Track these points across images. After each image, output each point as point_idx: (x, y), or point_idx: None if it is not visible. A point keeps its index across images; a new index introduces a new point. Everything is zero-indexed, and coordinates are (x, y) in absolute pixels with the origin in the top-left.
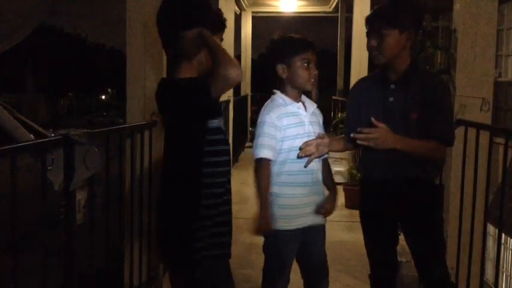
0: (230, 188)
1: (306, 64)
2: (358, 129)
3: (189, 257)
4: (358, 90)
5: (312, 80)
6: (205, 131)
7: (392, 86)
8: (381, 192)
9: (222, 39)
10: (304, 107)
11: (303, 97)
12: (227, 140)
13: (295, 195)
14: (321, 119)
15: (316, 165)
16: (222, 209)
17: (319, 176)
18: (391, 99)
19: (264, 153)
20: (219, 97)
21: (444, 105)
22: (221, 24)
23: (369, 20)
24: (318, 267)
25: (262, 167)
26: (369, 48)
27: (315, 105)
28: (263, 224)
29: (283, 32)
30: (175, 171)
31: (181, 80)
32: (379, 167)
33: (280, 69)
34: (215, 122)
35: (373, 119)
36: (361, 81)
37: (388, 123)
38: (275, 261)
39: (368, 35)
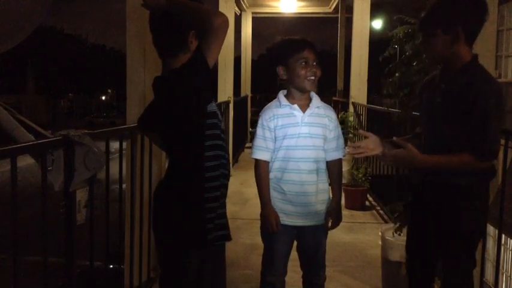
0: (227, 172)
1: (303, 63)
2: (381, 152)
3: (203, 238)
4: (421, 89)
5: (311, 78)
6: (205, 115)
7: (443, 86)
8: (417, 194)
9: None
10: (304, 108)
11: (314, 99)
12: (222, 130)
13: (286, 192)
14: (328, 120)
15: (311, 165)
16: (223, 191)
17: (316, 177)
18: (438, 99)
19: (258, 154)
20: (217, 55)
21: (483, 113)
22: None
23: (419, 24)
24: (314, 262)
25: (257, 167)
26: (421, 50)
27: (328, 108)
28: (265, 221)
29: (284, 35)
30: (181, 158)
31: (179, 68)
32: (417, 170)
33: (281, 70)
34: (212, 106)
35: (395, 139)
36: (428, 78)
37: (432, 124)
38: (266, 250)
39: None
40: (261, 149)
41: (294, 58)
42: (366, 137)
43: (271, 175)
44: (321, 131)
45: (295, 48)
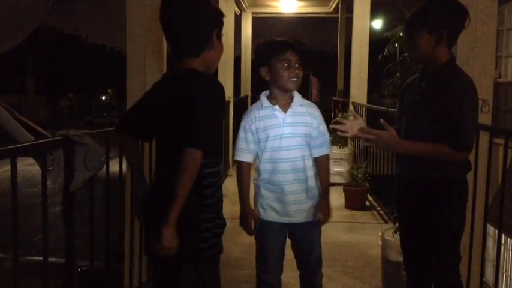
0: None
1: (285, 65)
2: (361, 128)
3: (199, 251)
4: (404, 88)
5: (293, 79)
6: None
7: (423, 85)
8: (399, 187)
9: (222, 34)
10: (285, 108)
11: (296, 98)
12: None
13: (273, 190)
14: (311, 118)
15: (297, 164)
16: (219, 195)
17: (304, 175)
18: (419, 97)
19: (239, 156)
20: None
21: (457, 107)
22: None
23: (406, 22)
24: (310, 259)
25: (238, 168)
26: (404, 48)
27: (310, 106)
28: (243, 222)
29: (281, 35)
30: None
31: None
32: (398, 163)
33: (263, 71)
34: None
35: (381, 121)
36: (408, 81)
37: (412, 122)
38: (258, 248)
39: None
40: (243, 151)
41: (276, 59)
42: (355, 119)
43: (261, 176)
44: (304, 130)
45: (277, 50)
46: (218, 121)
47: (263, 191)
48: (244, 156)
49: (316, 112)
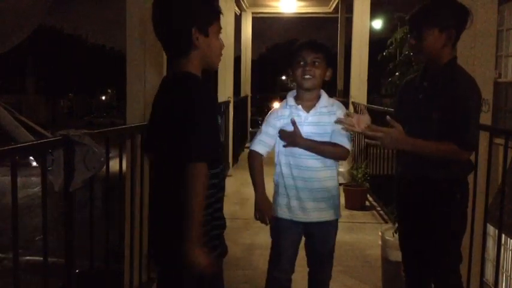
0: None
1: (301, 63)
2: (368, 125)
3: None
4: (403, 86)
5: (307, 76)
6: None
7: (425, 84)
8: (399, 187)
9: (221, 29)
10: (309, 108)
11: (322, 98)
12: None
13: (292, 187)
14: (329, 117)
15: (317, 163)
16: (218, 196)
17: (323, 174)
18: (421, 96)
19: (255, 146)
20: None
21: (463, 106)
22: (217, 12)
23: (409, 20)
24: (321, 258)
25: (250, 157)
26: (409, 47)
27: (333, 104)
28: (258, 208)
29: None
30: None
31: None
32: (399, 163)
33: (289, 72)
34: None
35: (388, 118)
36: (408, 79)
37: (413, 121)
38: (274, 246)
39: (409, 34)
40: (260, 143)
41: (294, 59)
42: (363, 114)
43: (281, 173)
44: (325, 130)
45: (294, 50)
46: (215, 124)
47: (281, 189)
48: (260, 148)
49: (338, 110)
